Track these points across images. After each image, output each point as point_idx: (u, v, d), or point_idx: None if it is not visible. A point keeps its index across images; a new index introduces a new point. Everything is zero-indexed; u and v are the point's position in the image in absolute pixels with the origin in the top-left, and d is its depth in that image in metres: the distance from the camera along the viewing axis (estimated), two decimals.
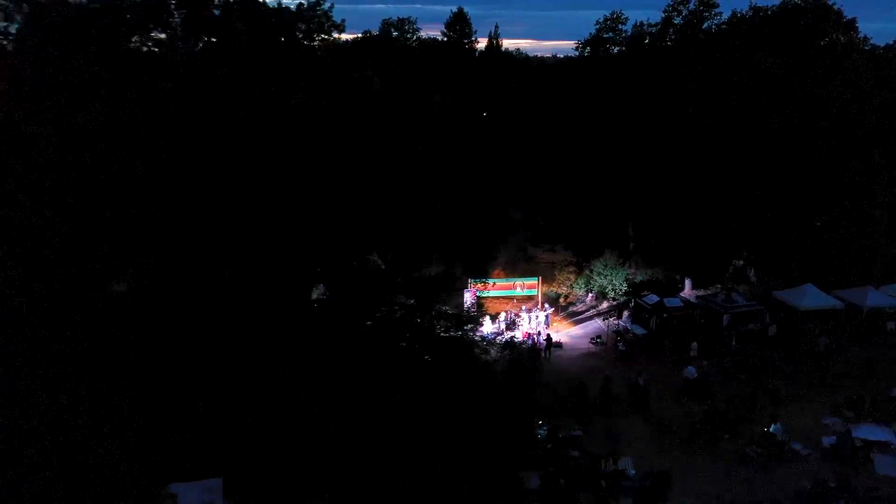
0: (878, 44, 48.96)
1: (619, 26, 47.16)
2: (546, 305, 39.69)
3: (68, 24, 20.39)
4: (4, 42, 21.58)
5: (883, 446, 24.08)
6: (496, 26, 67.80)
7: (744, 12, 45.27)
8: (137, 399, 16.06)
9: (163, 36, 22.60)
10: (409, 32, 65.83)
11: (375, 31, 64.68)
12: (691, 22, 44.98)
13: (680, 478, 22.53)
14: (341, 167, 24.81)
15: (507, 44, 73.68)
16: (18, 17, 21.27)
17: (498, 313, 38.00)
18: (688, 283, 42.39)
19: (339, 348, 18.48)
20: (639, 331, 35.57)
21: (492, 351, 30.10)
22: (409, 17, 66.25)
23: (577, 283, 42.59)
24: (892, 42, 52.38)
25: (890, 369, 30.88)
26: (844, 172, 39.08)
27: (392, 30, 65.25)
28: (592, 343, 36.24)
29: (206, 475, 16.30)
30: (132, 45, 21.96)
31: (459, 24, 63.92)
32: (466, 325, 23.65)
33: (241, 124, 20.85)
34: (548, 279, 41.91)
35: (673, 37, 45.66)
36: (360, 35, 61.52)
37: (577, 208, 44.25)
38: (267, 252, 19.72)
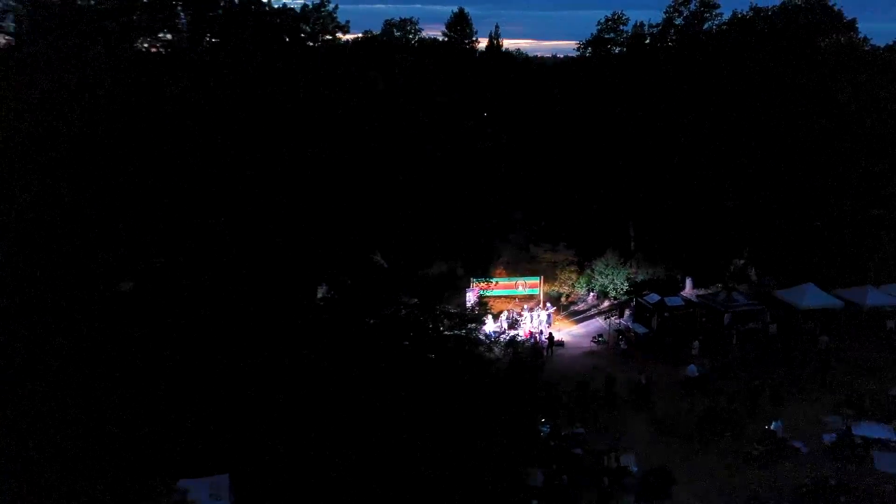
0: (878, 44, 49.13)
1: (621, 27, 47.36)
2: (548, 304, 39.85)
3: (76, 24, 20.57)
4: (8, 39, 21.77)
5: (883, 444, 24.26)
6: (496, 26, 67.81)
7: (744, 13, 45.52)
8: (147, 397, 16.25)
9: (170, 37, 22.79)
10: (410, 33, 65.91)
11: (376, 31, 64.86)
12: (692, 22, 45.14)
13: (681, 475, 22.76)
14: (345, 167, 24.99)
15: (507, 44, 73.58)
16: (24, 14, 21.41)
17: (500, 312, 38.17)
18: (689, 282, 42.55)
19: (344, 346, 18.65)
20: (640, 330, 35.75)
21: (495, 349, 30.27)
22: (412, 17, 66.44)
23: (579, 283, 42.75)
24: (892, 42, 52.52)
25: (890, 368, 31.07)
26: (845, 172, 39.25)
27: (394, 30, 65.33)
28: (594, 342, 36.43)
29: (214, 472, 16.51)
30: (141, 46, 22.14)
31: (460, 25, 63.92)
32: (469, 324, 23.82)
33: (247, 125, 21.03)
34: (549, 278, 42.03)
35: (674, 37, 45.81)
36: (360, 35, 61.71)
37: (578, 208, 44.42)
38: (274, 251, 19.90)
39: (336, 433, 17.26)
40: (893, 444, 24.29)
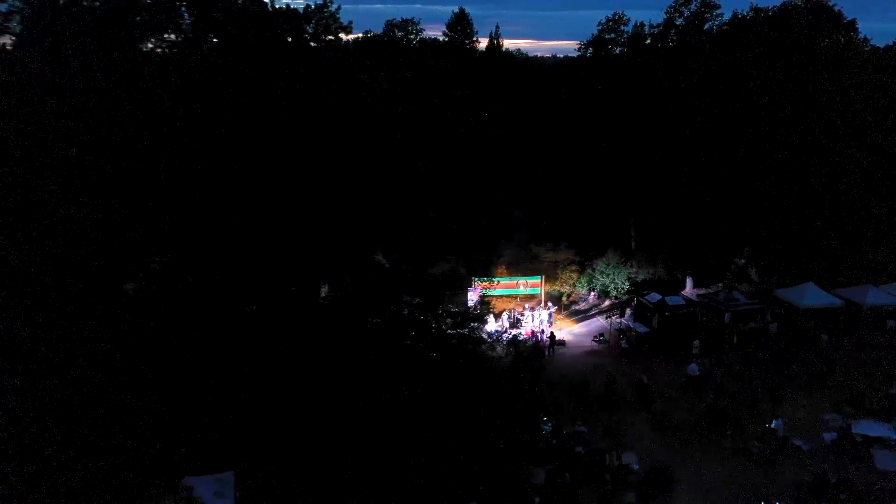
0: (878, 45, 49.26)
1: (621, 27, 47.41)
2: (549, 304, 39.98)
3: (80, 24, 20.67)
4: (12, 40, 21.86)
5: (883, 442, 24.37)
6: (497, 26, 67.92)
7: (745, 13, 45.60)
8: (152, 396, 16.37)
9: (174, 37, 22.89)
10: (412, 33, 66.03)
11: (376, 31, 65.02)
12: (693, 23, 45.20)
13: (683, 473, 22.89)
14: (348, 167, 25.11)
15: (508, 44, 73.80)
16: (28, 15, 21.50)
17: (502, 311, 38.30)
18: (689, 281, 42.68)
19: (348, 345, 18.77)
20: (641, 329, 35.87)
21: (497, 348, 30.42)
22: (413, 18, 66.55)
23: (580, 282, 42.87)
24: (892, 43, 52.67)
25: (890, 367, 31.18)
26: (845, 172, 39.36)
27: (396, 30, 65.44)
28: (595, 341, 36.57)
29: (219, 469, 16.64)
30: (145, 47, 22.25)
31: (461, 25, 64.05)
32: (471, 323, 23.97)
33: (250, 125, 21.15)
34: (551, 278, 42.14)
35: (675, 37, 45.88)
36: (360, 35, 61.81)
37: (579, 208, 44.53)
38: (277, 251, 20.01)
39: (340, 431, 17.39)
40: (893, 442, 24.41)
